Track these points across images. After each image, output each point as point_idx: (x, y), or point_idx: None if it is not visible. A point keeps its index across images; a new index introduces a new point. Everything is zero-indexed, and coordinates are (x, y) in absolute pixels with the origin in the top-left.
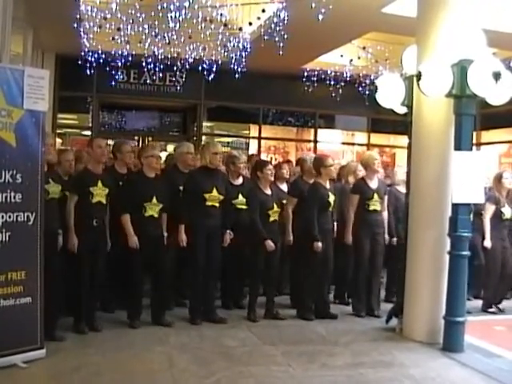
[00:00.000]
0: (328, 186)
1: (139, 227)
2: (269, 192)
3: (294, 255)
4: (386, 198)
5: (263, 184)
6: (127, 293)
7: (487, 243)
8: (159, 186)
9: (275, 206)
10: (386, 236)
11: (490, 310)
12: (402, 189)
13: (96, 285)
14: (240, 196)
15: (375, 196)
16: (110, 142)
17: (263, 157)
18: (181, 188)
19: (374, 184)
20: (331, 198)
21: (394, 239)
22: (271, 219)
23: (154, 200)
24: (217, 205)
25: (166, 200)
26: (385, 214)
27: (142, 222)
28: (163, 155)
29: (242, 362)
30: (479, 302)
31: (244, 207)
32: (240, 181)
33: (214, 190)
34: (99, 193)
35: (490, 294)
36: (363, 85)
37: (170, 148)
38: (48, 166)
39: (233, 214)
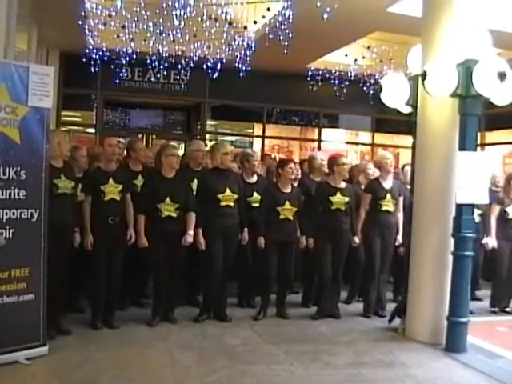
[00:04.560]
0: (342, 184)
1: (157, 228)
2: (287, 190)
3: (304, 254)
4: (401, 199)
5: (282, 182)
6: (151, 291)
7: (493, 243)
8: (174, 185)
9: (287, 203)
10: (399, 237)
11: (493, 308)
12: None
13: (114, 282)
14: (255, 194)
15: (388, 196)
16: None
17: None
18: (193, 186)
19: (387, 184)
20: (336, 196)
21: (399, 237)
22: (281, 217)
23: (168, 200)
24: (232, 204)
25: (182, 199)
26: (399, 216)
27: (160, 223)
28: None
29: (243, 361)
30: (478, 304)
31: (258, 205)
32: (254, 179)
33: (227, 190)
34: (111, 190)
35: (497, 294)
36: (368, 84)
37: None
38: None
39: (247, 211)
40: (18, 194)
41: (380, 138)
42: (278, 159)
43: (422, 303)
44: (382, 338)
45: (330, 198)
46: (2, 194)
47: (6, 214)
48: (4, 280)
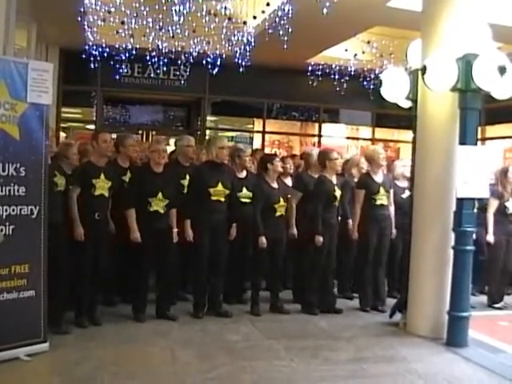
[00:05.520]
0: (334, 180)
1: (144, 222)
2: (275, 186)
3: (298, 250)
4: (391, 192)
5: (271, 177)
6: (133, 287)
7: (490, 238)
8: (166, 181)
9: (281, 200)
10: (394, 231)
11: (496, 305)
12: (401, 183)
13: (98, 278)
14: (244, 189)
15: (381, 190)
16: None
17: (267, 151)
18: (182, 182)
19: (379, 178)
20: (337, 193)
21: (394, 231)
22: (277, 214)
23: (160, 195)
24: (222, 199)
25: (172, 196)
26: (391, 209)
27: (147, 216)
28: (170, 149)
29: (244, 357)
30: (484, 298)
31: (248, 201)
32: (244, 174)
33: (220, 185)
34: (101, 185)
35: (494, 290)
36: (368, 79)
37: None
38: (51, 158)
39: (237, 207)
40: (18, 191)
41: (380, 132)
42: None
43: (423, 298)
44: (383, 333)
45: (335, 193)
46: (2, 191)
47: (6, 210)
48: (4, 276)
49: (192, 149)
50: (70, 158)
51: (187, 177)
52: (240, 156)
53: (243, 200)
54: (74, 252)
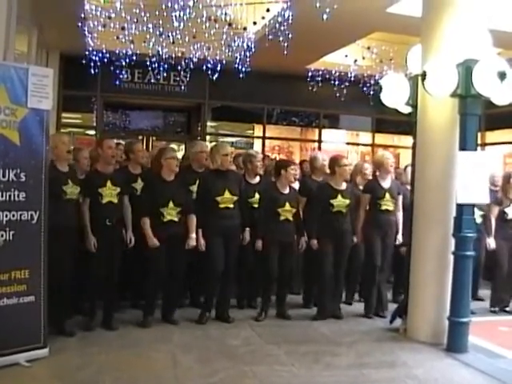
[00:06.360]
0: (343, 186)
1: (159, 232)
2: (286, 191)
3: (305, 255)
4: (400, 198)
5: (282, 183)
6: (139, 291)
7: (492, 243)
8: (176, 189)
9: (287, 204)
10: (399, 237)
11: (493, 308)
12: None
13: (111, 284)
14: (256, 195)
15: (387, 195)
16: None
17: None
18: (193, 188)
19: (386, 183)
20: (337, 199)
21: (399, 236)
22: (282, 218)
23: (171, 204)
24: (231, 206)
25: (183, 202)
26: (399, 215)
27: (162, 227)
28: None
29: (245, 362)
30: (480, 303)
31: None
32: (257, 180)
33: (227, 192)
34: (109, 193)
35: (497, 294)
36: (368, 85)
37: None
38: (68, 166)
39: (248, 212)
40: (18, 196)
41: (380, 138)
42: (276, 159)
43: (423, 303)
44: (384, 339)
45: (331, 201)
46: (2, 196)
47: (6, 215)
48: (4, 282)
49: (206, 154)
50: (80, 162)
51: (197, 182)
52: (252, 162)
53: (255, 205)
54: (86, 258)
